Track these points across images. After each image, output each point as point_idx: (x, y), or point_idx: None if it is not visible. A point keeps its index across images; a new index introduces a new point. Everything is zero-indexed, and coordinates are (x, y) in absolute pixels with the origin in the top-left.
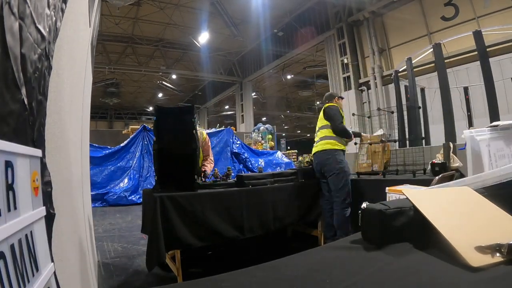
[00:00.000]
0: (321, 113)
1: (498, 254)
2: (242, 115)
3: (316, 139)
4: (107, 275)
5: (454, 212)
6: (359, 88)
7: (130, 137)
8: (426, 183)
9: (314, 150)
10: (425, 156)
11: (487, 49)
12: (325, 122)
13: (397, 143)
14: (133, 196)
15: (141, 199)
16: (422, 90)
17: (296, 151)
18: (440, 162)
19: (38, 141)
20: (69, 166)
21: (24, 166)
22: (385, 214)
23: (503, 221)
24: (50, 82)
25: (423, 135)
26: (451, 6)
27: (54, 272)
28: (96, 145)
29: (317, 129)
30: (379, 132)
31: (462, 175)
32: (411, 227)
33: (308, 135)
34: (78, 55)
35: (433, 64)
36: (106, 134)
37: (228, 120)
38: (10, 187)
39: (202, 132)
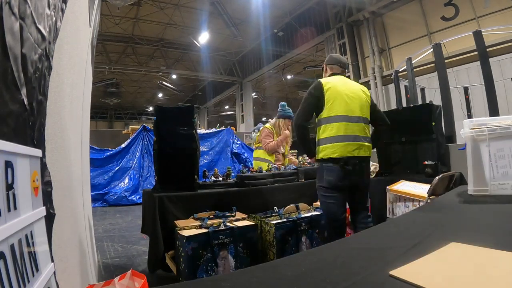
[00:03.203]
0: (362, 93)
1: None
2: (242, 115)
3: (359, 133)
4: (107, 275)
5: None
6: None
7: (130, 138)
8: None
9: (361, 151)
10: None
11: (487, 49)
12: (367, 112)
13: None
14: (133, 196)
15: (141, 199)
16: (422, 90)
17: (296, 151)
18: (432, 163)
19: (38, 141)
20: (69, 166)
21: (24, 166)
22: None
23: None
24: (50, 82)
25: None
26: (451, 6)
27: (54, 272)
28: (97, 147)
29: (358, 113)
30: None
31: (462, 176)
32: None
33: None
34: (78, 55)
35: (433, 64)
36: (106, 134)
37: (228, 120)
38: (10, 187)
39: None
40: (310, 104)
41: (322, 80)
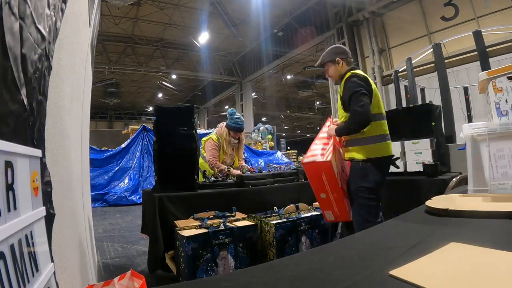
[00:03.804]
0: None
1: None
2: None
3: (387, 132)
4: (107, 275)
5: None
6: None
7: (130, 138)
8: (439, 183)
9: (390, 149)
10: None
11: (487, 49)
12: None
13: None
14: (133, 196)
15: (141, 199)
16: (422, 90)
17: (296, 151)
18: (432, 163)
19: (38, 141)
20: (69, 166)
21: (24, 166)
22: None
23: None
24: (50, 82)
25: None
26: (451, 6)
27: (54, 272)
28: (97, 148)
29: (384, 110)
30: None
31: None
32: None
33: (308, 135)
34: (78, 55)
35: (433, 64)
36: (106, 134)
37: None
38: (10, 187)
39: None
40: (367, 101)
41: (365, 74)
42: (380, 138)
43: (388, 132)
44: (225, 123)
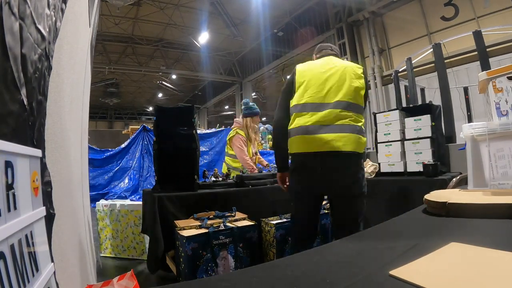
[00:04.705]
0: (345, 70)
1: None
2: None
3: (329, 119)
4: (106, 275)
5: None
6: None
7: (130, 138)
8: (439, 183)
9: (327, 145)
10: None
11: (487, 49)
12: (358, 96)
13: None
14: (133, 196)
15: (141, 199)
16: (422, 90)
17: None
18: (432, 163)
19: (38, 141)
20: (69, 166)
21: (24, 166)
22: None
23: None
24: (50, 82)
25: None
26: (451, 6)
27: (54, 272)
28: (97, 148)
29: (331, 99)
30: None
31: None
32: None
33: None
34: (78, 55)
35: (433, 64)
36: (106, 134)
37: (228, 120)
38: (10, 187)
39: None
40: (282, 93)
41: (301, 65)
42: (295, 132)
43: (309, 124)
44: (240, 118)
